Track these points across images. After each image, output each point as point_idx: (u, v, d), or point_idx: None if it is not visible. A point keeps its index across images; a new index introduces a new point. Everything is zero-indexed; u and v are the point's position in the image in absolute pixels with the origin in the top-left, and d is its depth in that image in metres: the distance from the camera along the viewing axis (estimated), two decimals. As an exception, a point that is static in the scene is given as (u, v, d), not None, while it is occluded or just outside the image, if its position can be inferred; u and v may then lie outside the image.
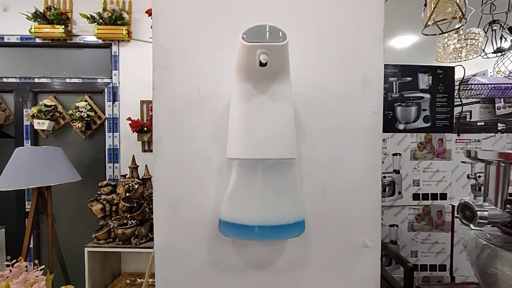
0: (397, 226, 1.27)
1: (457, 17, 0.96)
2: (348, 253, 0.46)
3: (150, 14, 1.66)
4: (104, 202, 1.72)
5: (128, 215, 1.67)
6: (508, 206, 0.63)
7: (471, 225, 0.63)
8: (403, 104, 1.33)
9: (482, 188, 1.18)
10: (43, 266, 1.21)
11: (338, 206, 0.46)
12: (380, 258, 0.46)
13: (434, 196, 1.28)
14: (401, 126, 1.33)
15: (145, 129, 1.88)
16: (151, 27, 0.46)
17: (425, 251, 1.26)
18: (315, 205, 0.46)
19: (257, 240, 0.43)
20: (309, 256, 0.47)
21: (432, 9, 0.97)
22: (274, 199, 0.38)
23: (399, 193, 1.29)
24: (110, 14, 1.87)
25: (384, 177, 1.28)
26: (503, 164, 0.64)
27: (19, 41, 2.00)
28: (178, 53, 0.44)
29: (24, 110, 2.04)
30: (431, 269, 1.26)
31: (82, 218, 2.06)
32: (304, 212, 0.45)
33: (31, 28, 1.89)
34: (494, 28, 1.73)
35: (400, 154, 1.29)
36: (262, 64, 0.32)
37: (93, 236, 1.67)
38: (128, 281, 1.86)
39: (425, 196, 1.28)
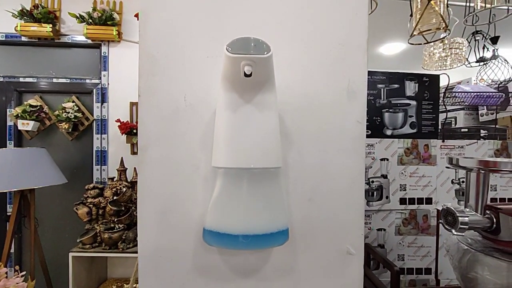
0: (384, 230, 1.29)
1: (441, 28, 1.00)
2: (333, 260, 0.47)
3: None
4: (91, 205, 1.68)
5: (115, 219, 1.64)
6: (487, 212, 0.65)
7: (453, 230, 0.65)
8: (390, 110, 1.36)
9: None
10: (24, 272, 1.17)
11: (324, 213, 0.47)
12: (363, 265, 0.47)
13: (420, 201, 1.31)
14: (388, 132, 1.36)
15: (134, 131, 1.86)
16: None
17: (412, 255, 1.29)
18: (302, 213, 0.47)
19: (241, 249, 0.43)
20: (295, 263, 0.47)
21: (418, 19, 1.00)
22: (259, 208, 0.38)
23: (387, 197, 1.31)
24: (100, 14, 1.84)
25: (372, 181, 1.30)
26: (483, 172, 0.67)
27: (3, 39, 1.94)
28: (165, 60, 0.44)
29: (8, 110, 1.97)
30: (417, 272, 1.29)
31: (67, 222, 2.00)
32: (290, 219, 0.46)
33: (16, 26, 1.84)
34: (477, 38, 1.81)
35: (387, 159, 1.31)
36: (246, 75, 0.33)
37: (78, 240, 1.63)
38: (114, 287, 1.81)
39: (412, 201, 1.31)
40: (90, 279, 1.77)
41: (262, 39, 0.34)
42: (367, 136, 1.40)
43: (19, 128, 1.87)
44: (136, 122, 1.94)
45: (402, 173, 1.31)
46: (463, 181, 1.33)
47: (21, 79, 1.98)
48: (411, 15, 1.09)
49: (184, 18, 0.45)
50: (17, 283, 1.12)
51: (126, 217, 1.63)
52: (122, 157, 1.82)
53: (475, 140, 1.33)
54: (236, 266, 0.47)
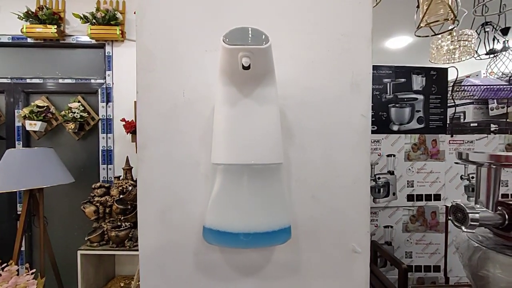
0: (391, 227, 1.27)
1: (449, 19, 0.96)
2: (338, 258, 0.46)
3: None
4: (98, 204, 1.70)
5: (122, 217, 1.66)
6: (499, 208, 0.63)
7: (463, 227, 0.63)
8: (397, 105, 1.33)
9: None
10: (34, 270, 1.19)
11: (328, 210, 0.46)
12: (369, 263, 0.45)
13: (428, 197, 1.29)
14: (395, 127, 1.33)
15: (139, 130, 1.87)
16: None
17: (420, 252, 1.27)
18: (305, 210, 0.46)
19: (242, 247, 0.42)
20: (299, 262, 0.46)
21: (425, 10, 0.97)
22: (260, 205, 0.37)
23: (394, 194, 1.29)
24: (103, 14, 1.85)
25: (379, 178, 1.28)
26: (494, 166, 0.64)
27: (10, 41, 1.97)
28: (163, 54, 0.44)
29: (16, 111, 2.01)
30: (426, 270, 1.26)
31: (75, 220, 2.03)
32: (293, 217, 0.45)
33: (22, 28, 1.86)
34: (486, 29, 1.75)
35: (394, 155, 1.29)
36: (245, 67, 0.32)
37: (86, 238, 1.65)
38: (122, 284, 1.84)
39: (419, 197, 1.28)
40: (98, 276, 1.79)
41: (260, 29, 0.33)
42: (373, 132, 1.36)
43: (27, 128, 1.91)
44: (141, 121, 1.96)
45: (409, 169, 1.29)
46: (472, 177, 1.30)
47: (28, 80, 2.01)
48: (418, 6, 1.06)
49: (182, 12, 0.44)
50: (27, 281, 1.15)
51: (132, 216, 1.65)
52: (127, 156, 1.84)
53: (485, 135, 1.30)
54: (238, 264, 0.46)
